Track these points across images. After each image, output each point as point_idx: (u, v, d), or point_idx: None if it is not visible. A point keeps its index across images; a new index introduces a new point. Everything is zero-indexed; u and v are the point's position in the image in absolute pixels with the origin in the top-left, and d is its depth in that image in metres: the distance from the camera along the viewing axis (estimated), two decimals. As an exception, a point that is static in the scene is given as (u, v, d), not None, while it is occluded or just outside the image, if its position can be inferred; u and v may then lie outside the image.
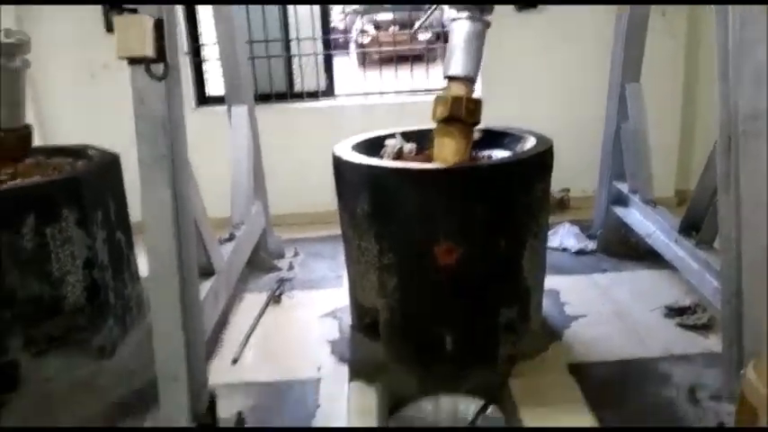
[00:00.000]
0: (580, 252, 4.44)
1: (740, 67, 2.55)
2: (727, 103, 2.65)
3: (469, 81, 3.03)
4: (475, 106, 3.00)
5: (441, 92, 3.08)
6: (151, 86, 2.47)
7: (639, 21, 3.91)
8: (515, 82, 5.08)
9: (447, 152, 3.03)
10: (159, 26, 2.42)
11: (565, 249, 4.50)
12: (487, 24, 3.07)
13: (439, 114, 3.01)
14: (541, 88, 5.10)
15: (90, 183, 3.28)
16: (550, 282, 3.80)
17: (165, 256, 2.53)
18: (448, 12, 3.23)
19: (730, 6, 2.53)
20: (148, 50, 2.41)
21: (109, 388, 3.20)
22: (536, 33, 5.02)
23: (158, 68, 2.45)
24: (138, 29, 2.41)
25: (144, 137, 2.50)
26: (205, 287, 3.00)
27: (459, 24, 3.02)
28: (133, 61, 2.47)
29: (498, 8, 4.79)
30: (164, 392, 2.61)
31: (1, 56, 3.35)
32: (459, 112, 2.98)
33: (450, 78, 3.03)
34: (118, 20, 2.41)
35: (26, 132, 3.64)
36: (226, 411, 2.88)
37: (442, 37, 6.04)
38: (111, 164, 3.53)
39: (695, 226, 3.38)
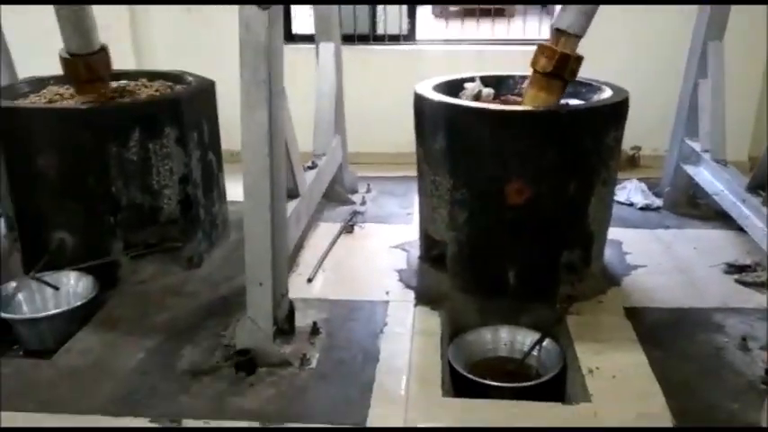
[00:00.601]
0: (646, 208, 4.53)
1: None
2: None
3: (578, 38, 3.11)
4: (577, 66, 3.12)
5: (546, 42, 3.18)
6: (257, 15, 2.68)
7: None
8: (596, 36, 5.08)
9: (539, 104, 3.16)
10: (268, -42, 2.61)
11: (631, 204, 4.59)
12: None
13: (542, 66, 3.13)
14: (620, 43, 5.08)
15: (189, 104, 3.56)
16: (614, 233, 3.95)
17: (259, 173, 2.78)
18: None
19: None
20: (256, -20, 2.60)
21: (196, 293, 3.53)
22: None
23: (264, -2, 2.65)
24: (248, -41, 2.59)
25: (247, 62, 2.73)
26: (290, 207, 3.25)
27: None
28: (241, -11, 2.67)
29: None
30: (250, 296, 2.89)
31: None
32: (564, 71, 3.11)
33: (560, 31, 3.10)
34: (232, -49, 2.60)
35: (104, 54, 3.67)
36: (301, 321, 3.16)
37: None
38: (207, 89, 3.80)
39: (763, 186, 3.44)
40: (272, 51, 2.78)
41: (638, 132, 5.00)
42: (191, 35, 5.32)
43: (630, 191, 4.69)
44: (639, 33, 5.07)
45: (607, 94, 3.40)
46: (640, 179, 4.89)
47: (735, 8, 4.04)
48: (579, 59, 3.13)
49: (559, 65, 3.07)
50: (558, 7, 3.42)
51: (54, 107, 3.48)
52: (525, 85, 3.38)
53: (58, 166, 3.34)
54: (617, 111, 3.29)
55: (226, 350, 2.97)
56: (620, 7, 4.98)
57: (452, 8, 10.00)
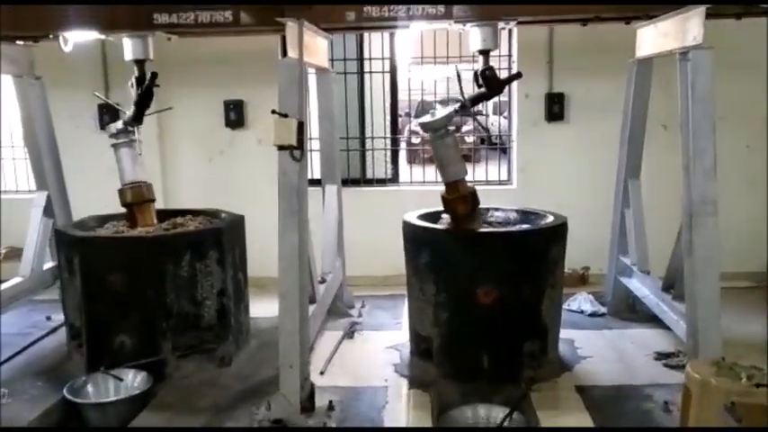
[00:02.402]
0: (593, 314, 5.48)
1: (694, 167, 3.71)
2: (688, 192, 3.79)
3: (458, 182, 4.33)
4: (467, 202, 4.33)
5: (446, 194, 4.39)
6: (291, 165, 3.73)
7: (637, 132, 5.11)
8: (548, 176, 6.24)
9: (475, 226, 4.26)
10: (300, 126, 3.70)
11: (582, 312, 5.54)
12: (452, 133, 4.32)
13: (462, 210, 4.33)
14: (569, 182, 6.22)
15: (227, 233, 4.54)
16: (568, 334, 4.92)
17: (291, 281, 3.72)
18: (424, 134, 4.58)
19: (690, 126, 3.72)
20: (293, 141, 3.67)
21: (229, 386, 4.32)
22: (564, 139, 6.23)
23: (298, 154, 3.71)
24: (288, 127, 3.67)
25: (284, 198, 3.75)
26: (310, 309, 4.15)
27: (438, 142, 4.28)
28: (282, 148, 3.73)
29: (535, 118, 6.11)
30: (283, 376, 3.73)
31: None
32: (476, 203, 4.32)
33: (453, 182, 4.31)
34: (276, 120, 3.69)
35: (143, 184, 4.84)
36: (319, 402, 3.96)
37: (486, 140, 7.28)
38: (239, 222, 4.80)
39: (672, 285, 4.45)
40: (301, 191, 3.81)
41: (587, 254, 6.10)
42: (211, 178, 6.39)
43: (581, 301, 5.66)
44: (586, 171, 6.20)
45: (550, 219, 4.47)
46: (589, 292, 5.87)
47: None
48: (474, 192, 4.35)
49: (473, 202, 4.32)
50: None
51: (125, 236, 4.45)
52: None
53: (124, 283, 4.23)
54: (558, 232, 4.33)
55: (259, 423, 3.75)
56: (570, 149, 6.17)
57: (426, 155, 11.37)
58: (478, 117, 8.90)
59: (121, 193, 4.76)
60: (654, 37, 4.42)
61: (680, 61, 3.85)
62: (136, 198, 4.74)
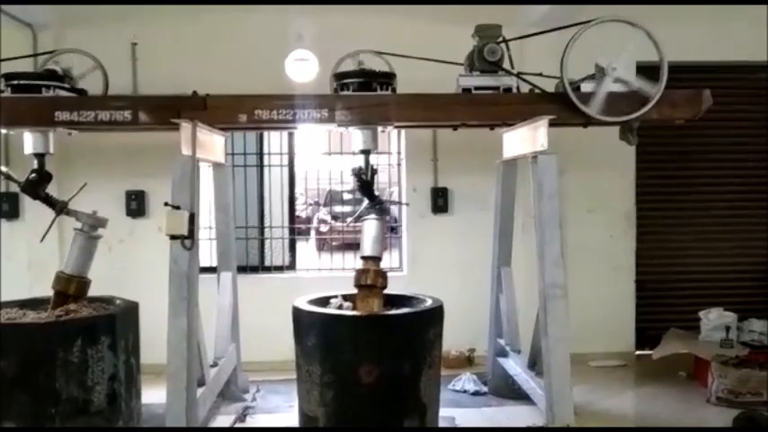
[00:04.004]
0: (476, 393, 5.86)
1: (544, 255, 4.22)
2: (542, 277, 4.29)
3: (379, 259, 4.69)
4: (385, 277, 4.60)
5: (359, 267, 4.73)
6: (182, 253, 4.01)
7: (507, 225, 5.69)
8: (434, 264, 6.71)
9: (370, 306, 4.59)
10: (192, 218, 4.02)
11: (465, 391, 5.91)
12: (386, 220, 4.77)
13: (364, 281, 4.62)
14: (454, 269, 6.70)
15: (120, 319, 4.69)
16: (450, 412, 5.30)
17: (179, 362, 3.93)
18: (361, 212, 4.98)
19: (539, 220, 4.26)
20: (184, 231, 3.97)
21: (117, 471, 4.38)
22: (448, 229, 6.75)
23: (188, 243, 4.01)
24: (179, 218, 3.98)
25: (174, 284, 4.02)
26: (198, 391, 4.32)
27: (369, 222, 4.72)
28: (173, 237, 4.02)
29: (420, 210, 6.60)
30: (169, 457, 3.87)
31: (90, 228, 4.89)
32: (378, 281, 4.60)
33: (367, 258, 4.68)
34: (168, 212, 3.99)
35: (85, 281, 5.00)
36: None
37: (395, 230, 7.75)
38: (133, 308, 4.96)
39: (535, 362, 4.90)
40: (191, 278, 4.08)
41: (473, 337, 6.53)
42: (110, 266, 6.50)
43: (464, 381, 6.04)
44: (468, 259, 6.69)
45: (429, 303, 4.87)
46: (474, 373, 6.25)
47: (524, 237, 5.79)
48: (385, 274, 4.70)
49: (375, 279, 4.72)
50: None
51: (18, 322, 4.54)
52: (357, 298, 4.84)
53: (14, 368, 4.30)
54: (434, 314, 4.73)
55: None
56: (454, 237, 6.67)
57: (334, 243, 11.77)
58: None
59: (65, 280, 4.86)
60: (515, 141, 5.04)
61: (531, 164, 4.43)
62: (77, 292, 4.90)
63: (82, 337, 4.44)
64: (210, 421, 5.11)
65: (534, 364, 5.01)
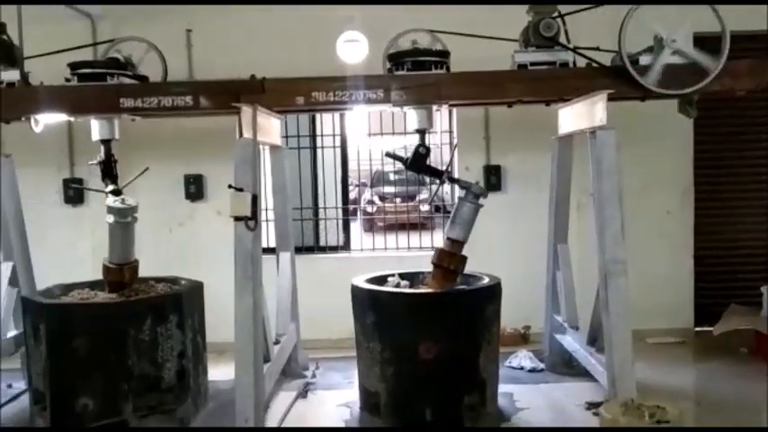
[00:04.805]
0: (532, 370, 5.87)
1: (604, 232, 4.21)
2: (601, 254, 4.27)
3: (461, 243, 4.72)
4: (459, 262, 4.67)
5: (442, 245, 4.78)
6: (246, 234, 4.11)
7: (563, 202, 5.66)
8: (489, 242, 6.68)
9: (435, 286, 4.65)
10: (254, 199, 4.11)
11: (521, 368, 5.92)
12: (481, 206, 4.75)
13: (447, 264, 4.72)
14: (508, 247, 6.68)
15: (187, 299, 4.85)
16: (507, 388, 5.30)
17: (247, 339, 4.05)
18: (459, 191, 4.95)
19: (599, 196, 4.24)
20: (248, 212, 4.07)
21: (188, 444, 4.56)
22: (501, 207, 6.73)
23: (252, 224, 4.11)
24: (243, 200, 4.07)
25: (240, 264, 4.12)
26: (264, 367, 4.45)
27: (463, 203, 4.71)
28: (237, 218, 4.12)
29: (473, 189, 6.58)
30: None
31: (118, 216, 4.94)
32: (450, 264, 4.67)
33: (453, 240, 4.71)
34: (232, 194, 4.09)
35: (135, 264, 5.20)
36: (273, 455, 4.24)
37: (442, 209, 7.76)
38: (198, 288, 5.12)
39: (595, 338, 4.89)
40: (255, 257, 4.19)
41: (528, 314, 6.54)
42: (171, 248, 6.71)
43: (521, 358, 6.05)
44: (524, 238, 6.67)
45: (485, 280, 4.90)
46: (530, 350, 6.27)
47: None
48: (462, 258, 4.66)
49: (447, 261, 4.64)
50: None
51: (90, 302, 4.73)
52: (429, 276, 4.88)
53: (88, 347, 4.49)
54: (492, 291, 4.77)
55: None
56: (508, 217, 6.66)
57: (380, 224, 11.87)
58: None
59: (116, 271, 5.01)
60: (570, 117, 5.00)
61: (590, 139, 4.40)
62: (131, 278, 5.07)
63: (152, 316, 4.61)
64: (274, 396, 5.24)
65: (594, 341, 5.01)
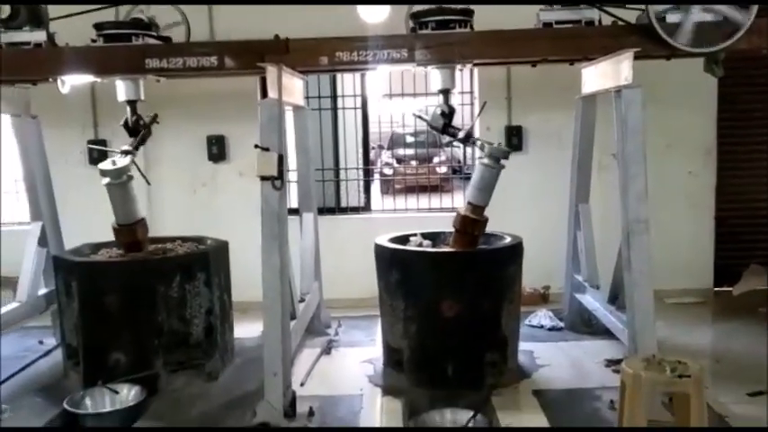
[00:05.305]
0: (552, 329, 5.95)
1: (628, 191, 4.22)
2: (624, 213, 4.30)
3: (482, 208, 4.76)
4: (479, 226, 4.74)
5: (462, 209, 4.84)
6: (272, 193, 4.17)
7: (585, 162, 5.66)
8: (509, 203, 6.69)
9: (457, 248, 4.72)
10: (281, 159, 4.15)
11: (541, 326, 6.01)
12: (502, 167, 4.75)
13: (471, 230, 4.77)
14: (529, 208, 6.69)
15: (214, 257, 4.95)
16: (527, 346, 5.39)
17: (274, 296, 4.14)
18: (478, 152, 4.94)
19: (623, 155, 4.25)
20: (274, 172, 4.11)
21: (217, 397, 4.69)
22: (522, 168, 6.73)
23: (278, 183, 4.16)
24: (269, 160, 4.12)
25: (266, 223, 4.18)
26: (291, 324, 4.55)
27: (484, 167, 4.72)
28: (264, 178, 4.17)
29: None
30: (267, 384, 4.12)
31: (110, 178, 4.88)
32: (470, 228, 4.73)
33: (475, 206, 4.75)
34: (259, 154, 4.13)
35: (144, 222, 5.20)
36: (299, 408, 4.35)
37: (460, 171, 7.78)
38: (224, 247, 5.21)
39: (616, 297, 4.95)
40: (281, 217, 4.25)
41: (547, 274, 6.59)
42: (194, 210, 6.79)
43: (540, 317, 6.13)
44: (545, 198, 6.68)
45: (507, 240, 4.95)
46: (549, 309, 6.34)
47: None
48: (480, 222, 4.73)
49: (467, 225, 4.72)
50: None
51: (120, 260, 4.84)
52: (450, 238, 4.94)
53: (119, 304, 4.61)
54: (514, 251, 4.82)
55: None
56: (529, 177, 6.66)
57: (397, 186, 11.90)
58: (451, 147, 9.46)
59: (128, 231, 5.03)
60: (595, 77, 4.97)
61: (615, 98, 4.38)
62: (143, 234, 5.14)
63: (180, 274, 4.72)
64: (299, 353, 5.36)
65: (615, 299, 5.06)
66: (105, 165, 4.94)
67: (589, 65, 5.08)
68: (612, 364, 5.00)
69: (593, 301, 5.48)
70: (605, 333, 5.50)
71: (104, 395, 4.45)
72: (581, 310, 5.87)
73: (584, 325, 5.90)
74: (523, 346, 5.24)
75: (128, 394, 4.47)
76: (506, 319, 4.73)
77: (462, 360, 4.65)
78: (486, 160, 4.73)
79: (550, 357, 5.26)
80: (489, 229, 5.24)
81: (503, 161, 4.75)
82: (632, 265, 4.22)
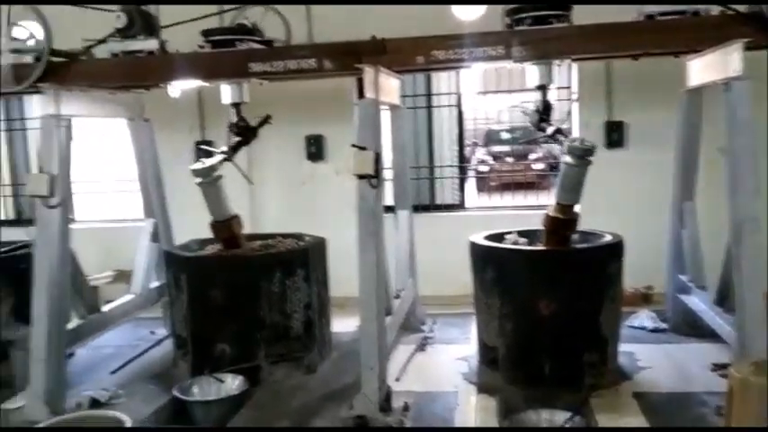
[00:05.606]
0: (655, 330, 5.76)
1: (737, 188, 4.04)
2: (735, 210, 4.11)
3: (570, 207, 4.72)
4: (567, 225, 4.70)
5: (550, 209, 4.80)
6: (369, 191, 4.25)
7: (690, 158, 5.44)
8: (609, 200, 6.54)
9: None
10: (377, 158, 4.22)
11: (643, 328, 5.83)
12: (589, 163, 4.66)
13: (562, 231, 4.74)
14: (630, 206, 6.50)
15: (313, 253, 5.10)
16: (629, 347, 5.25)
17: (371, 292, 4.22)
18: (562, 156, 4.88)
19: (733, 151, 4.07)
20: (371, 170, 4.19)
21: (315, 390, 4.82)
22: (623, 164, 6.55)
23: (375, 182, 4.23)
24: (366, 158, 4.19)
25: (363, 221, 4.27)
26: (386, 319, 4.63)
27: (569, 166, 4.67)
28: (361, 176, 4.25)
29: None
30: (364, 377, 4.21)
31: (201, 177, 5.17)
32: (567, 232, 4.72)
33: (565, 206, 4.71)
34: (355, 153, 4.22)
35: (235, 219, 5.39)
36: (395, 403, 4.41)
37: (558, 167, 7.63)
38: (322, 244, 5.36)
39: (724, 299, 4.73)
40: (377, 214, 4.33)
41: (649, 274, 6.37)
42: (295, 205, 7.01)
43: (642, 318, 5.95)
44: (644, 195, 6.48)
45: (608, 238, 4.84)
46: (652, 310, 6.13)
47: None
48: (569, 221, 4.70)
49: (554, 226, 4.69)
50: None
51: (226, 255, 5.08)
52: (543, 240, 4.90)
53: (224, 297, 4.83)
54: (614, 249, 4.71)
55: (342, 421, 4.21)
56: (628, 174, 6.46)
57: (492, 183, 11.82)
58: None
59: (226, 227, 5.29)
60: (701, 69, 4.78)
61: (723, 91, 4.20)
62: (239, 228, 5.36)
63: (281, 270, 4.90)
64: (394, 349, 5.43)
65: (723, 301, 4.84)
66: (196, 165, 5.22)
67: (695, 57, 4.87)
68: (719, 368, 4.78)
69: (699, 303, 5.27)
70: (711, 336, 5.27)
71: (210, 384, 4.69)
72: (685, 312, 5.64)
73: (688, 327, 5.67)
74: (624, 347, 5.10)
75: (232, 384, 4.69)
76: (606, 319, 4.63)
77: (560, 359, 4.59)
78: (567, 158, 4.65)
79: (653, 359, 5.10)
80: (589, 227, 5.16)
81: (589, 158, 4.64)
82: (742, 266, 4.03)
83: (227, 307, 4.84)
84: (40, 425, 3.89)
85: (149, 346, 5.86)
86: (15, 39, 4.79)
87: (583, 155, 4.63)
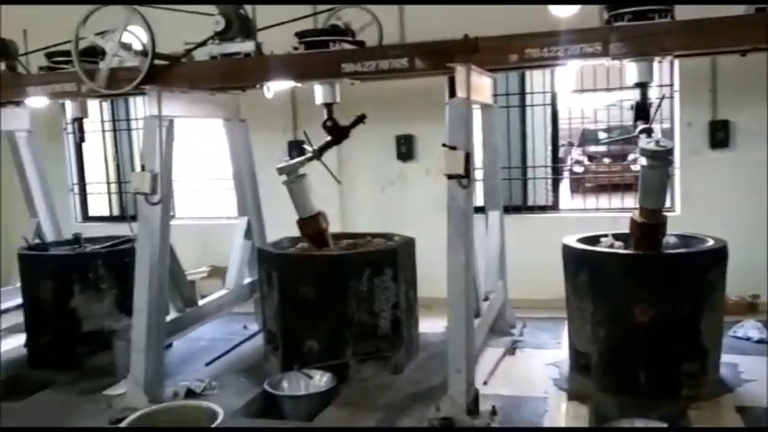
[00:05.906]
0: (760, 341, 5.43)
1: None
2: None
3: (657, 211, 4.54)
4: (657, 230, 4.52)
5: (635, 215, 4.65)
6: (459, 191, 4.20)
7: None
8: (713, 203, 6.22)
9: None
10: (468, 158, 4.17)
11: (748, 338, 5.50)
12: (668, 164, 4.48)
13: (640, 235, 4.62)
14: (736, 209, 6.15)
15: (401, 253, 5.11)
16: (732, 359, 4.97)
17: (460, 293, 4.17)
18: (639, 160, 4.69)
19: None
20: (461, 170, 4.14)
21: (402, 389, 4.83)
22: (729, 166, 6.22)
23: (465, 182, 4.18)
24: (456, 158, 4.15)
25: (453, 221, 4.23)
26: (474, 322, 4.57)
27: (649, 171, 4.49)
28: (451, 176, 4.21)
29: (698, 146, 6.16)
30: (451, 380, 4.17)
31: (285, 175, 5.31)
32: (658, 235, 4.56)
33: (651, 210, 4.54)
34: (446, 152, 4.18)
35: (321, 216, 5.44)
36: (482, 407, 4.35)
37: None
38: (411, 244, 5.36)
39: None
40: (467, 215, 4.28)
41: (756, 282, 6.03)
42: (383, 207, 7.04)
43: (747, 328, 5.62)
44: (752, 199, 6.12)
45: (710, 243, 4.60)
46: (758, 320, 5.79)
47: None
48: (655, 225, 4.54)
49: (640, 231, 4.57)
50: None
51: (316, 254, 5.16)
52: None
53: (314, 294, 4.91)
54: (716, 255, 4.48)
55: (429, 422, 4.19)
56: (736, 177, 6.13)
57: (587, 184, 11.46)
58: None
59: (313, 223, 5.38)
60: (817, 64, 4.46)
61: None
62: (326, 224, 5.44)
63: (369, 269, 4.93)
64: (482, 351, 5.36)
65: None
66: (280, 165, 5.36)
67: (810, 51, 4.56)
68: (832, 384, 4.47)
69: (812, 314, 4.93)
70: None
71: (299, 379, 4.78)
72: (796, 323, 5.31)
73: (799, 339, 5.33)
74: (727, 358, 4.83)
75: (320, 380, 4.76)
76: (707, 328, 4.40)
77: (656, 368, 4.41)
78: (643, 161, 4.45)
79: (758, 372, 4.80)
80: (690, 231, 4.93)
81: (665, 159, 4.45)
82: None
83: (316, 304, 4.91)
84: (138, 413, 4.06)
85: (242, 340, 6.03)
86: (124, 44, 5.02)
87: (653, 156, 4.43)
